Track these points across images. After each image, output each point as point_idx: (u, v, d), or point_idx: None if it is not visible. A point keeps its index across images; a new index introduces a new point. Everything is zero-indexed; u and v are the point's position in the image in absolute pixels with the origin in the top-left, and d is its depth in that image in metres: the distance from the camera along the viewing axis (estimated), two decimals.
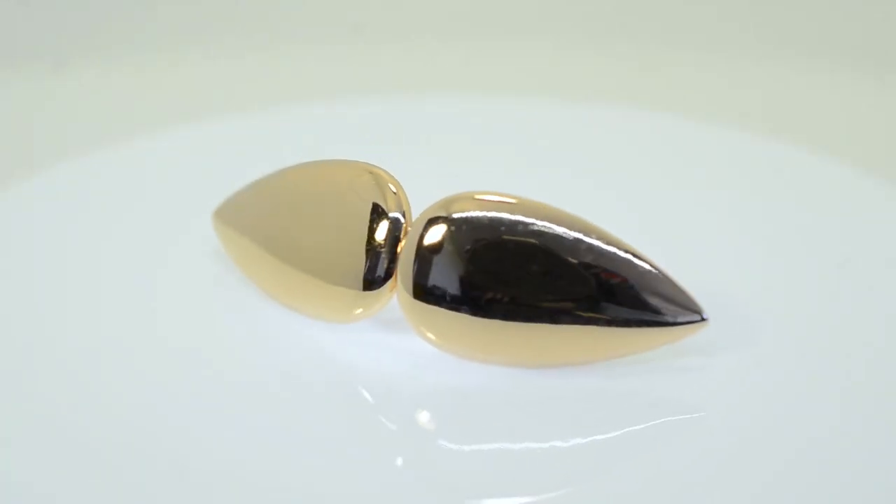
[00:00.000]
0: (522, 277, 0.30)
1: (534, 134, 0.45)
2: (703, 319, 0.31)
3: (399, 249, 0.31)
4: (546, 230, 0.30)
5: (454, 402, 0.31)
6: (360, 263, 0.31)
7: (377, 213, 0.32)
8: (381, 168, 0.32)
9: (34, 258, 0.37)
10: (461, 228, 0.30)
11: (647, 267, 0.30)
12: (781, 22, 0.57)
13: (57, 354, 0.33)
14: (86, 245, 0.37)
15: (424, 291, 0.30)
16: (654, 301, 0.30)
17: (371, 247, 0.31)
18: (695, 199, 0.36)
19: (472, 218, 0.30)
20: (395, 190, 0.32)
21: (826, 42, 0.55)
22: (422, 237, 0.31)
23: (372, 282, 0.31)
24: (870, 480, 0.28)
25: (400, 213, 0.32)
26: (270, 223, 0.33)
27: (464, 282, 0.30)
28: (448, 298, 0.30)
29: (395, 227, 0.31)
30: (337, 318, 0.32)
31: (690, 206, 0.36)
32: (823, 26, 0.56)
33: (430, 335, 0.31)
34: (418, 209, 0.32)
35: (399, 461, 0.29)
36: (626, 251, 0.31)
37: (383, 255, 0.31)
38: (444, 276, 0.30)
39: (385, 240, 0.31)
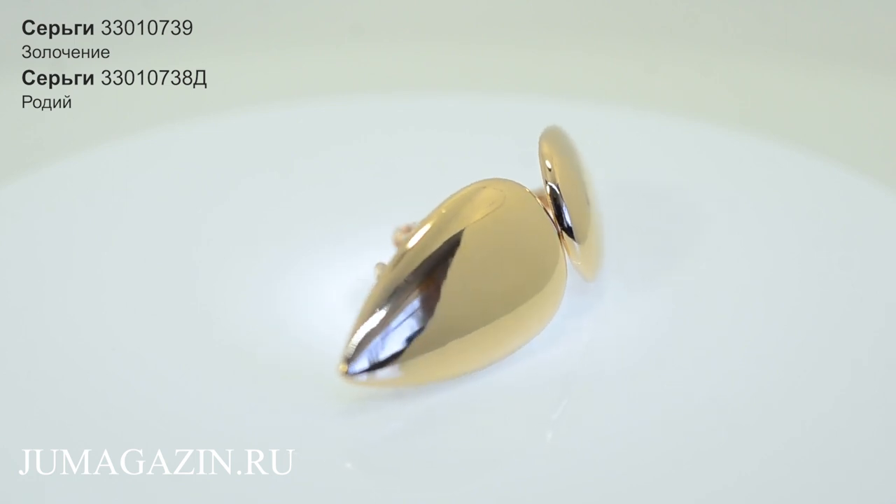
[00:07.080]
0: None
1: (533, 132, 0.45)
2: None
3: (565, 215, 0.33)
4: None
5: None
6: (551, 255, 0.32)
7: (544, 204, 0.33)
8: (497, 179, 0.33)
9: (33, 256, 0.37)
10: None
11: None
12: (782, 23, 0.57)
13: (57, 350, 0.32)
14: (85, 243, 0.37)
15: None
16: None
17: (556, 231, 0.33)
18: (693, 198, 0.36)
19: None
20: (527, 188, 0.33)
21: (826, 43, 0.55)
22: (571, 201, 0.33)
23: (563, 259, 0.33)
24: None
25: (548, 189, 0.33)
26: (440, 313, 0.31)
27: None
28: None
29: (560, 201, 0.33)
30: (552, 314, 0.33)
31: (689, 204, 0.36)
32: (823, 27, 0.56)
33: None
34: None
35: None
36: None
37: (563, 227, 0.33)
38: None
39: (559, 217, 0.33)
